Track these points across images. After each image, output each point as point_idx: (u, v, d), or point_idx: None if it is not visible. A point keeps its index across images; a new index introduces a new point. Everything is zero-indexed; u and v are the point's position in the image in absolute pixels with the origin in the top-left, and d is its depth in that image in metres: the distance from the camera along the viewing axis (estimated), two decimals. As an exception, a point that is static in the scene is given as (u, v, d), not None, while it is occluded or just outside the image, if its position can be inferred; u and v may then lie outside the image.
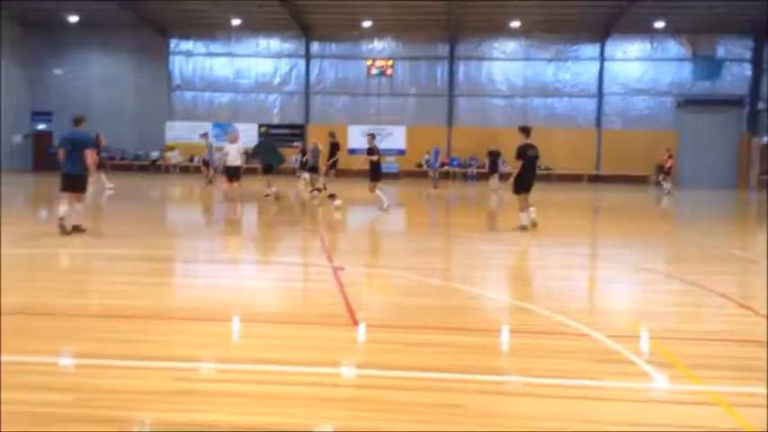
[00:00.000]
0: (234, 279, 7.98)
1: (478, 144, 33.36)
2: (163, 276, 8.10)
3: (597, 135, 34.49)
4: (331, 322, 5.59)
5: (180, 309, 6.14)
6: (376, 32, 35.22)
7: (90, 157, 10.71)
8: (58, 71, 35.67)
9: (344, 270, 8.03)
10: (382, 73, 35.91)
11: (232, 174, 16.22)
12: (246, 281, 7.86)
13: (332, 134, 20.22)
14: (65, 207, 10.63)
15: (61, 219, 10.49)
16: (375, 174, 16.52)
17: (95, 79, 36.22)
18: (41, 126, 36.08)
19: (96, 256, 9.17)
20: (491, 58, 35.58)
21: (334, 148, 19.64)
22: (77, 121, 11.02)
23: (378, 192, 16.28)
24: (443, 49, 35.46)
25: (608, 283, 8.30)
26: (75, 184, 10.75)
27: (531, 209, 12.54)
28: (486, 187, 23.69)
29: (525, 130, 12.73)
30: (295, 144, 26.85)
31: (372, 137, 17.00)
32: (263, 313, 5.99)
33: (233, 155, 16.40)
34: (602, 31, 33.55)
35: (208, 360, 4.56)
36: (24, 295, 6.47)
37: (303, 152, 21.54)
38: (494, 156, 22.19)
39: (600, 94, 34.60)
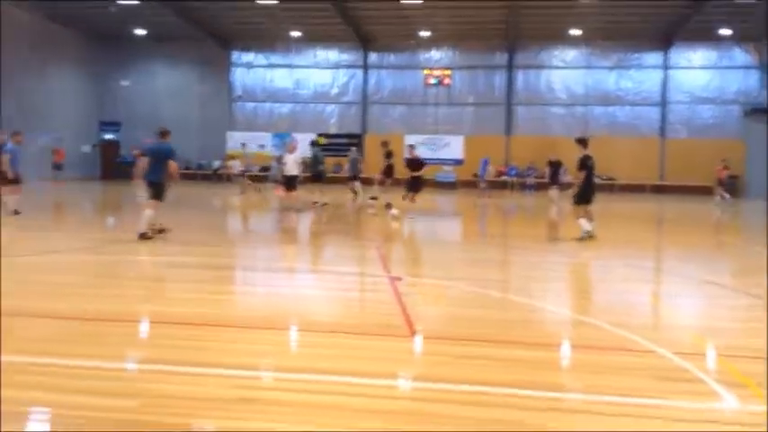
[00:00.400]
0: (292, 288, 8.05)
1: (537, 153, 32.93)
2: (223, 284, 8.25)
3: (661, 144, 33.65)
4: (388, 333, 5.57)
5: (239, 317, 6.23)
6: (434, 42, 35.23)
7: (171, 167, 11.14)
8: (125, 82, 36.90)
9: (401, 280, 8.01)
10: (440, 82, 35.86)
11: (290, 183, 16.39)
12: (304, 290, 7.91)
13: (384, 143, 20.16)
14: (150, 213, 11.02)
15: (151, 225, 10.94)
16: (415, 185, 16.29)
17: (160, 90, 37.33)
18: (109, 136, 37.37)
19: (160, 264, 9.40)
20: (551, 67, 35.17)
21: (389, 157, 19.51)
22: (163, 134, 11.57)
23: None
24: (502, 58, 35.21)
25: (671, 297, 8.05)
26: (154, 191, 11.19)
27: (582, 220, 12.31)
28: (545, 198, 23.34)
29: (583, 142, 12.57)
30: (346, 154, 27.00)
31: (413, 147, 16.92)
32: (321, 323, 6.01)
33: (291, 164, 16.58)
34: (665, 39, 32.79)
35: (267, 369, 4.60)
36: (92, 302, 6.67)
37: (279, 160, 21.69)
38: (554, 166, 21.78)
39: (664, 102, 33.77)
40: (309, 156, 21.48)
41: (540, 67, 35.22)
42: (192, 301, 6.81)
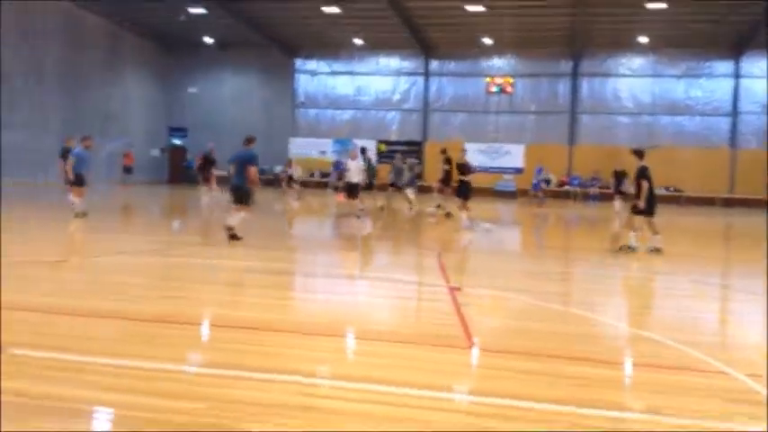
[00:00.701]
0: (351, 295, 8.11)
1: (601, 163, 32.31)
2: (285, 290, 8.38)
3: (731, 155, 32.55)
4: (447, 344, 5.55)
5: (301, 323, 6.31)
6: (496, 49, 35.00)
7: (251, 172, 11.55)
8: (192, 89, 37.91)
9: (461, 290, 7.97)
10: (502, 90, 35.59)
11: (351, 190, 16.48)
12: (363, 297, 7.97)
13: (443, 151, 20.12)
14: (233, 217, 11.49)
15: (229, 228, 11.33)
16: (462, 190, 15.88)
17: (226, 97, 38.21)
18: (177, 141, 38.46)
19: (224, 268, 9.61)
20: (617, 75, 34.48)
21: (448, 164, 19.42)
22: (248, 141, 12.14)
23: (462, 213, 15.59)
24: (566, 66, 34.72)
25: (741, 315, 7.77)
26: (237, 195, 11.68)
27: (635, 233, 12.09)
28: (609, 208, 22.86)
29: (639, 153, 12.37)
30: (411, 160, 26.99)
31: (464, 152, 16.70)
32: (380, 331, 6.03)
33: (353, 171, 16.67)
34: (736, 47, 31.73)
35: (328, 377, 4.64)
36: (158, 304, 6.87)
37: (337, 166, 21.68)
38: (620, 176, 21.27)
39: (735, 112, 32.65)
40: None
41: (606, 74, 34.57)
42: (256, 305, 6.94)
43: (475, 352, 5.40)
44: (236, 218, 11.56)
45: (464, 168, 16.31)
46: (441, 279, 8.91)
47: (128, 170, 32.07)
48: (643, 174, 12.02)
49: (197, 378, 4.49)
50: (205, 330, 5.99)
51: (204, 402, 3.93)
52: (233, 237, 11.33)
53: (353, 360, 5.28)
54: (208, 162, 22.70)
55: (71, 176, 14.76)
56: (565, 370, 4.97)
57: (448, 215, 18.42)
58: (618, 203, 21.17)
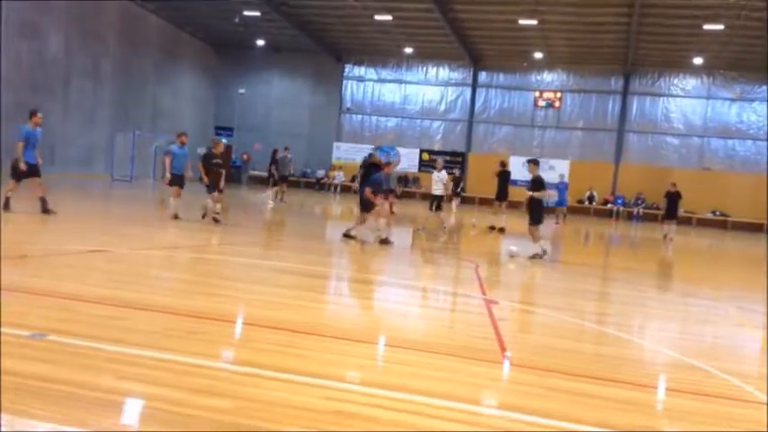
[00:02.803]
0: (387, 302, 8.09)
1: (646, 183, 31.81)
2: (321, 293, 8.41)
3: (782, 182, 31.65)
4: (480, 357, 5.49)
5: (334, 327, 6.31)
6: (546, 64, 34.74)
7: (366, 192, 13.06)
8: (241, 90, 38.49)
9: (498, 304, 7.89)
10: (550, 105, 35.29)
11: (435, 203, 16.10)
12: (399, 305, 7.94)
13: (502, 163, 19.74)
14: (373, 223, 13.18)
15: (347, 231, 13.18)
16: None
17: (274, 99, 38.71)
18: (223, 140, 39.01)
19: (264, 267, 9.70)
20: (668, 95, 33.92)
21: (503, 177, 19.08)
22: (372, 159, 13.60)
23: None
24: (617, 84, 34.29)
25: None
26: (363, 205, 13.17)
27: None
28: (652, 229, 22.42)
29: (536, 163, 13.17)
30: (453, 171, 26.91)
31: (503, 165, 16.13)
32: (413, 340, 5.99)
33: (436, 183, 16.23)
34: (794, 72, 30.92)
35: (359, 383, 4.63)
36: (196, 299, 6.96)
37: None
38: (672, 197, 20.66)
39: (790, 138, 31.81)
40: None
41: (657, 94, 34.04)
42: (290, 306, 6.97)
43: (509, 367, 5.33)
44: (379, 225, 13.19)
45: (503, 176, 16.12)
46: (479, 292, 8.84)
47: None
48: (541, 184, 12.58)
49: (227, 375, 4.51)
50: (239, 329, 6.03)
51: (234, 400, 3.95)
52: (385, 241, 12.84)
53: (385, 367, 5.25)
54: (274, 163, 23.05)
55: (168, 176, 14.29)
56: (598, 391, 4.87)
57: (492, 229, 18.29)
58: (670, 226, 20.67)
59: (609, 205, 33.98)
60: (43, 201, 12.59)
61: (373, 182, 13.09)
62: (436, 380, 4.78)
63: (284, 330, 5.79)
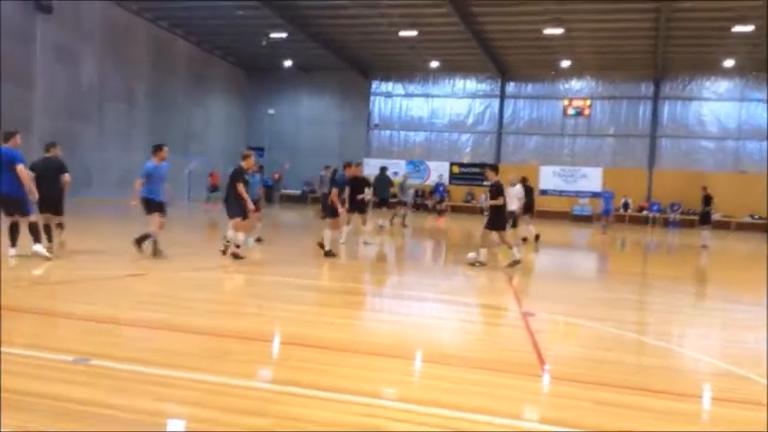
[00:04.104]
0: (421, 317, 8.04)
1: (681, 188, 31.31)
2: (355, 309, 8.40)
3: (821, 183, 30.91)
4: (518, 371, 5.41)
5: (368, 343, 6.29)
6: (574, 72, 34.54)
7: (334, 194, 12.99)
8: (271, 111, 38.94)
9: (534, 316, 7.80)
10: (579, 113, 35.04)
11: (510, 219, 15.79)
12: (433, 320, 7.89)
13: (523, 179, 19.74)
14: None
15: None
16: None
17: (303, 118, 39.10)
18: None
19: (292, 286, 9.74)
20: (700, 98, 33.43)
21: (528, 191, 19.06)
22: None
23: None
24: (647, 89, 33.93)
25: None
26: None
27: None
28: (688, 235, 22.02)
29: (495, 169, 12.94)
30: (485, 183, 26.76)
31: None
32: (450, 355, 5.94)
33: (511, 198, 15.88)
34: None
35: (395, 399, 4.60)
36: (226, 319, 7.01)
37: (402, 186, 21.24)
38: (707, 201, 20.32)
39: (828, 138, 31.08)
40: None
41: (689, 98, 33.59)
42: (322, 323, 6.98)
43: (549, 380, 5.25)
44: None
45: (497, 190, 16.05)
46: (514, 304, 8.76)
47: (213, 189, 33.04)
48: (499, 190, 12.30)
49: (261, 394, 4.52)
50: (272, 347, 6.05)
51: (270, 419, 3.96)
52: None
53: (422, 383, 5.21)
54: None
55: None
56: (641, 402, 4.77)
57: (525, 240, 18.17)
58: (706, 232, 20.27)
59: (644, 212, 33.50)
60: (152, 240, 11.35)
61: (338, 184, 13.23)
62: (474, 395, 4.72)
63: (319, 348, 5.78)
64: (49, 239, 10.98)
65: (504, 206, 12.45)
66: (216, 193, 32.58)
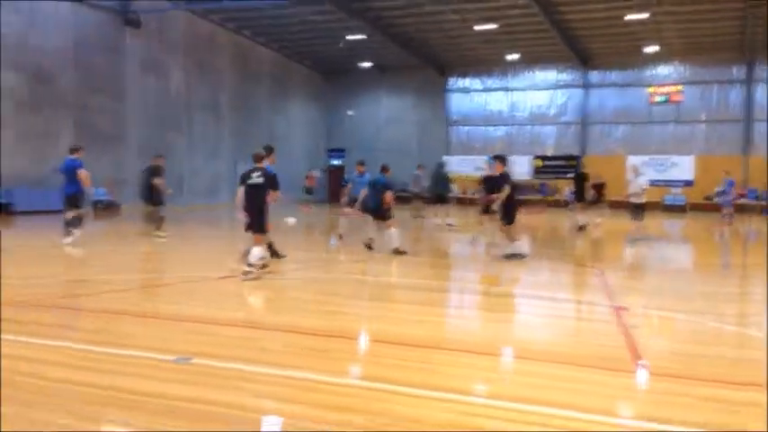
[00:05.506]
0: (509, 313, 7.97)
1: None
2: (439, 306, 8.42)
3: None
4: (613, 367, 5.28)
5: (456, 340, 6.29)
6: (661, 57, 33.29)
7: (388, 197, 12.66)
8: (350, 112, 39.35)
9: (627, 310, 7.58)
10: (668, 99, 33.75)
11: (638, 211, 15.62)
12: (522, 316, 7.81)
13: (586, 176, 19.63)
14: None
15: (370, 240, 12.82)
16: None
17: (382, 118, 39.32)
18: (336, 162, 40.04)
19: (376, 284, 9.83)
20: (797, 78, 31.57)
21: (578, 179, 19.29)
22: (384, 169, 13.37)
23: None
24: (739, 72, 32.33)
25: None
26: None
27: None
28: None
29: (502, 159, 12.64)
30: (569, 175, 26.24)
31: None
32: (541, 351, 5.85)
33: (636, 191, 15.72)
34: None
35: (485, 395, 4.57)
36: (317, 318, 7.15)
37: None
38: None
39: None
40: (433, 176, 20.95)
41: (784, 79, 31.78)
42: (409, 321, 7.01)
43: (644, 375, 5.10)
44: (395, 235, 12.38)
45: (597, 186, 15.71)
46: (605, 298, 8.54)
47: (309, 191, 33.56)
48: (506, 180, 11.95)
49: (355, 391, 4.58)
50: (363, 345, 6.13)
51: (362, 416, 4.01)
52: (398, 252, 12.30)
53: (512, 380, 5.15)
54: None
55: (345, 203, 14.46)
56: (743, 397, 4.56)
57: (581, 228, 17.92)
58: None
59: (741, 200, 31.94)
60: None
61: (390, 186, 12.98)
62: (567, 391, 4.63)
63: (408, 345, 5.81)
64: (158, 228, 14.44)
65: (512, 197, 12.13)
66: (309, 196, 33.06)
